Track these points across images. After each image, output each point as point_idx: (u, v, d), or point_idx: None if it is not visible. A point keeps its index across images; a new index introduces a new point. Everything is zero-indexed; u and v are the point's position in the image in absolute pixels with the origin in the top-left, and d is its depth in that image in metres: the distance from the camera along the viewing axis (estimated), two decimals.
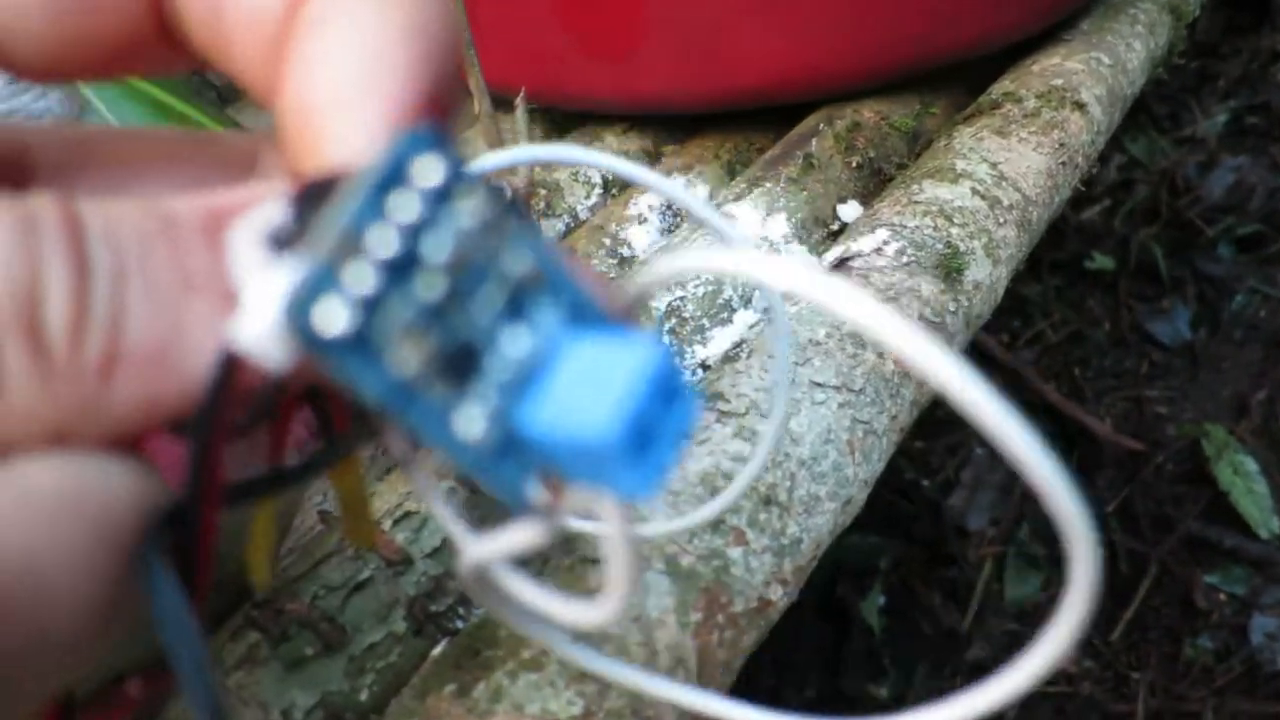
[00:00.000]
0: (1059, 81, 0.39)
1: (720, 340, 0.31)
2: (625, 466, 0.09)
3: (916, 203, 0.33)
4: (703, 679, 0.22)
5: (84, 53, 0.11)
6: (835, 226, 0.36)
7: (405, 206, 0.09)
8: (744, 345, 0.29)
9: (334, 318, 0.09)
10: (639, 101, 0.41)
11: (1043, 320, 1.03)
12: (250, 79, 0.11)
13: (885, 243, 0.31)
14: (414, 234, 0.09)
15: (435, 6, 0.11)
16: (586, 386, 0.09)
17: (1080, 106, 0.39)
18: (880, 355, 0.28)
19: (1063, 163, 0.37)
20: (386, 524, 0.24)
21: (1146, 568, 0.86)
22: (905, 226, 0.32)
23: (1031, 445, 0.09)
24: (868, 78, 0.39)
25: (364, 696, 0.22)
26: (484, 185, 0.10)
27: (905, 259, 0.31)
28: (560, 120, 0.46)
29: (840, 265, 0.30)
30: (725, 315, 0.32)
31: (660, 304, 0.31)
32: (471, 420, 0.10)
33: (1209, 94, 1.15)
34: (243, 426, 0.10)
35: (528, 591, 0.12)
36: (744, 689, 0.66)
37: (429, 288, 0.09)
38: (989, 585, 0.90)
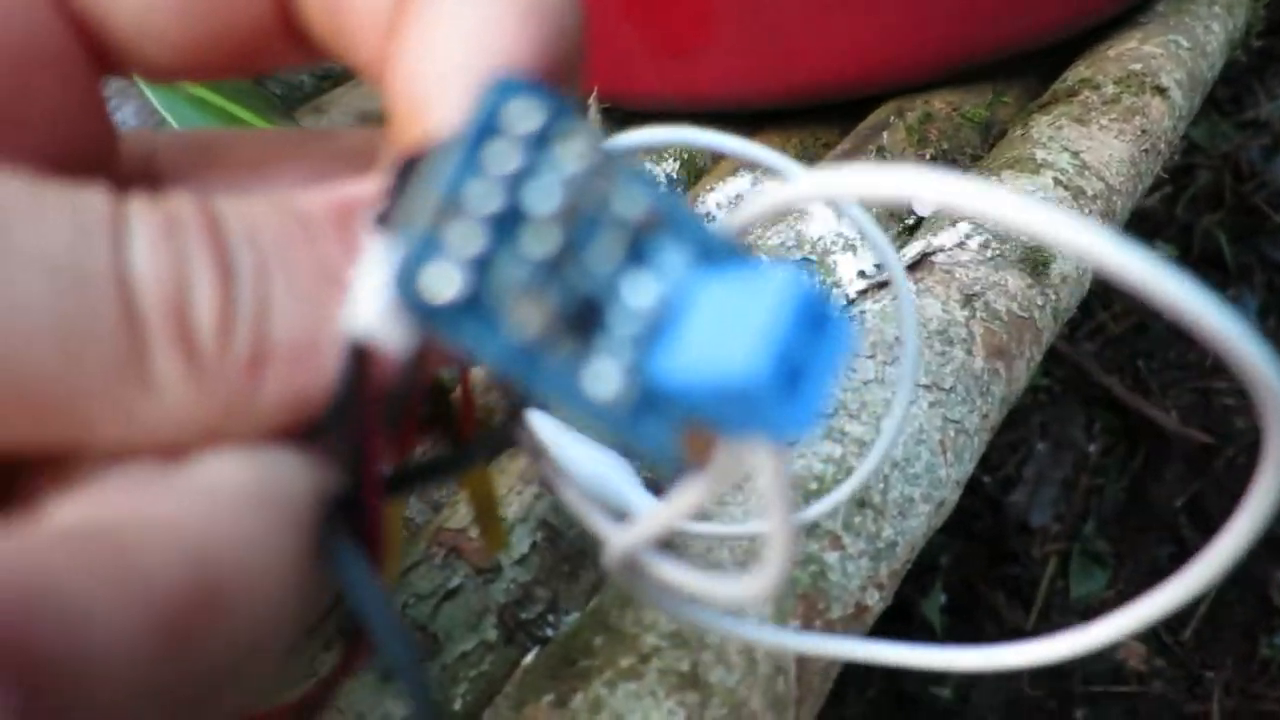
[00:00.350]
0: (1137, 66, 0.38)
1: None
2: (778, 405, 0.08)
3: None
4: (802, 686, 0.21)
5: (213, 51, 0.11)
6: (911, 221, 0.35)
7: (504, 157, 0.09)
8: None
9: (443, 283, 0.08)
10: (705, 98, 0.40)
11: (1103, 312, 1.01)
12: (370, 68, 0.11)
13: (968, 236, 0.30)
14: (517, 185, 0.09)
15: None
16: (725, 327, 0.08)
17: (1161, 91, 0.37)
18: (969, 353, 0.27)
19: (1145, 150, 0.36)
20: (473, 532, 0.24)
21: None
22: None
23: (1218, 314, 0.08)
24: (938, 68, 0.38)
25: (458, 706, 0.22)
26: (586, 125, 0.09)
27: (990, 253, 0.30)
28: (622, 118, 0.46)
29: (922, 260, 0.30)
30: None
31: None
32: (603, 378, 0.09)
33: (1273, 75, 1.12)
34: (388, 422, 0.10)
35: (678, 573, 0.11)
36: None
37: (541, 241, 0.09)
38: (1053, 583, 0.88)
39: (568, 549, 0.24)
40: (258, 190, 0.10)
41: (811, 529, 0.23)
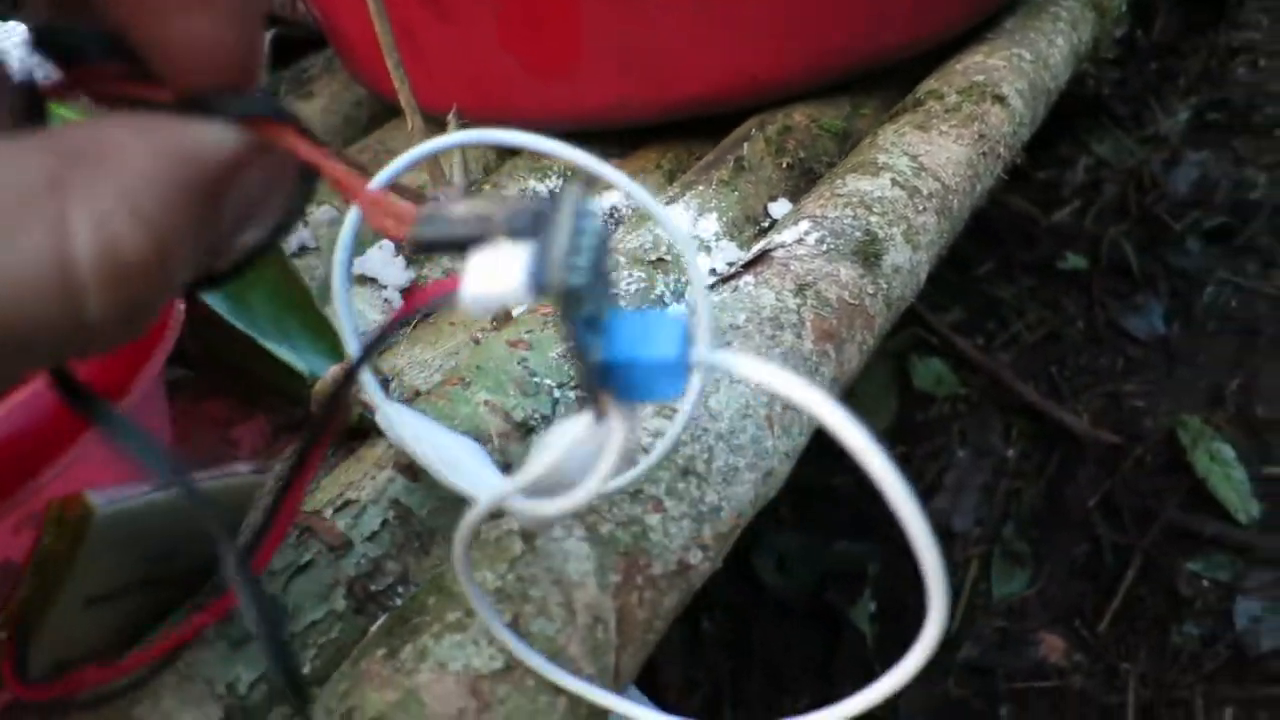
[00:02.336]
0: (980, 78, 0.41)
1: None
2: (676, 378, 0.15)
3: (839, 195, 0.35)
4: (622, 637, 0.23)
5: None
6: (766, 224, 0.37)
7: (586, 230, 0.14)
8: None
9: (576, 277, 0.13)
10: (583, 117, 0.43)
11: (1018, 321, 1.05)
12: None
13: (806, 233, 0.33)
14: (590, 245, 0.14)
15: None
16: (651, 333, 0.15)
17: (1000, 99, 0.40)
18: (799, 336, 0.29)
19: (983, 153, 0.38)
20: (328, 512, 0.26)
21: (1131, 559, 0.87)
22: (826, 217, 0.33)
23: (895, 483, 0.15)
24: (799, 85, 0.41)
25: (307, 669, 0.23)
26: (603, 228, 0.15)
27: (825, 247, 0.32)
28: None
29: (763, 256, 0.32)
30: (659, 308, 0.33)
31: None
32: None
33: (1170, 92, 1.17)
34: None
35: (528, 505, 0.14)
36: (736, 697, 0.67)
37: (590, 262, 0.14)
38: (976, 585, 0.91)
39: (419, 527, 0.26)
40: None
41: (635, 494, 0.25)
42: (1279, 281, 0.98)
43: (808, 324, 0.30)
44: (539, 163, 0.44)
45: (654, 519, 0.24)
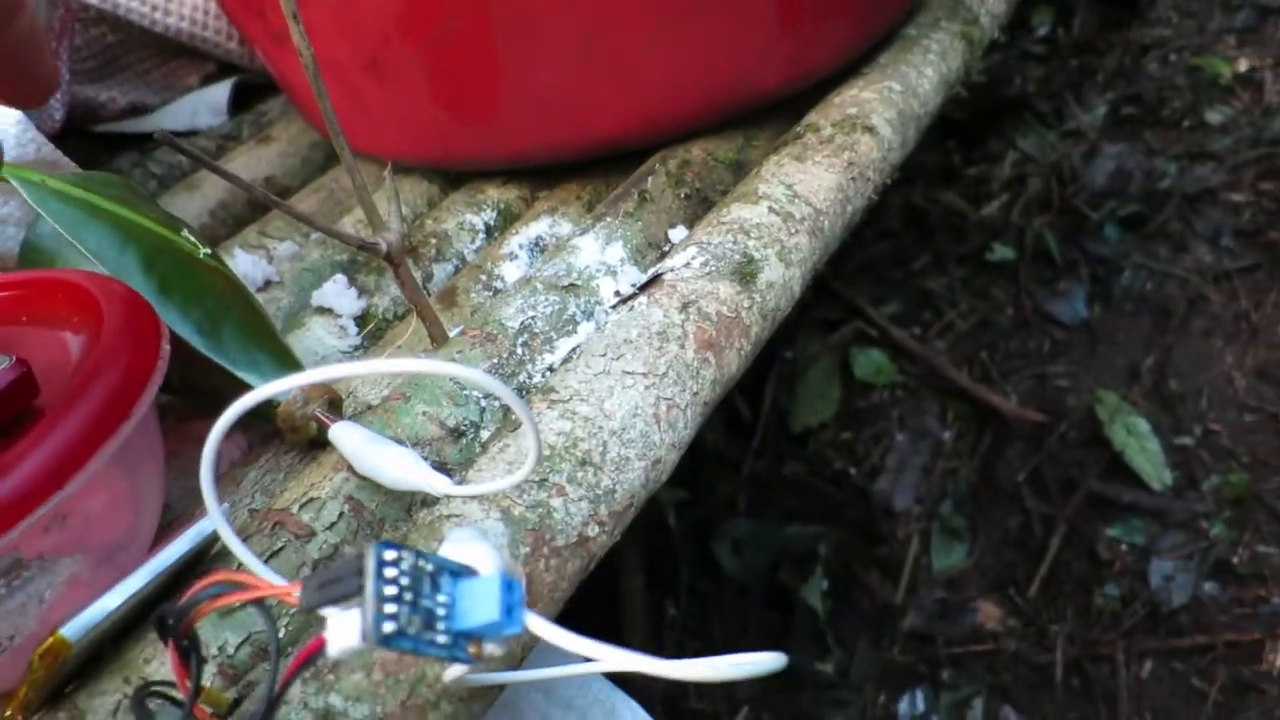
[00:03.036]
0: (853, 110, 0.47)
1: (564, 348, 0.38)
2: (507, 626, 0.21)
3: (722, 223, 0.41)
4: (532, 596, 0.29)
5: None
6: (666, 248, 0.43)
7: (392, 572, 0.20)
8: (578, 349, 0.36)
9: (389, 626, 0.19)
10: (508, 158, 0.49)
11: (951, 311, 1.11)
12: None
13: (693, 258, 0.39)
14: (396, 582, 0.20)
15: None
16: (479, 601, 0.21)
17: (870, 129, 0.47)
18: (682, 346, 0.36)
19: (853, 178, 0.45)
20: (295, 508, 0.31)
21: (1055, 527, 0.94)
22: (710, 243, 0.40)
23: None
24: (694, 123, 0.47)
25: (282, 634, 0.29)
26: (410, 551, 0.21)
27: (708, 269, 0.38)
28: (453, 178, 0.54)
29: (655, 279, 0.38)
30: (570, 328, 0.39)
31: (514, 322, 0.38)
32: (441, 637, 0.20)
33: (1089, 88, 1.24)
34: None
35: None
36: None
37: (408, 599, 0.20)
38: (918, 560, 0.97)
39: (370, 517, 0.32)
40: None
41: (542, 482, 0.31)
42: (1189, 264, 1.05)
43: (690, 336, 0.36)
44: (474, 199, 0.50)
45: (557, 501, 0.30)
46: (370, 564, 0.20)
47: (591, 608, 1.02)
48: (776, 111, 0.51)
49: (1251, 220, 1.06)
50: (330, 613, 0.20)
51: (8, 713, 0.25)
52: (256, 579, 0.22)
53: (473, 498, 0.30)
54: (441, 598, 0.21)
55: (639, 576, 1.01)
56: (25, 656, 0.26)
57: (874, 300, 1.15)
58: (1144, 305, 1.06)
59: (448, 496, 0.30)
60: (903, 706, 0.91)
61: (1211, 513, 0.90)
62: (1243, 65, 1.15)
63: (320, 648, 0.20)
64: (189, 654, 0.23)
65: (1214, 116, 1.13)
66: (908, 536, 0.99)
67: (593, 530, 0.31)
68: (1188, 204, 1.09)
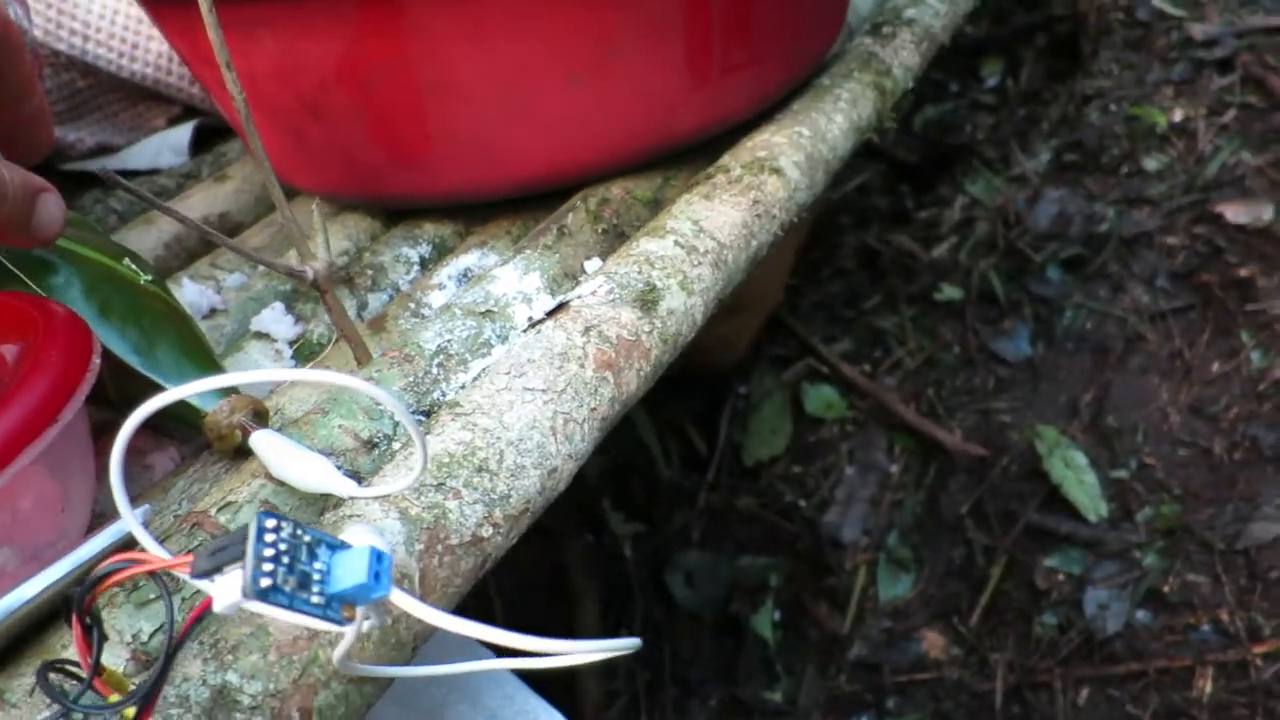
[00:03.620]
0: (763, 153, 0.51)
1: (476, 369, 0.41)
2: (374, 590, 0.23)
3: (630, 255, 0.44)
4: (424, 589, 0.32)
5: None
6: (582, 279, 0.47)
7: (271, 538, 0.23)
8: (486, 369, 0.39)
9: (265, 582, 0.22)
10: (442, 196, 0.52)
11: (900, 349, 1.15)
12: None
13: (600, 286, 0.42)
14: (275, 548, 0.23)
15: None
16: (350, 567, 0.23)
17: (777, 171, 0.50)
18: (582, 366, 0.39)
19: (758, 215, 0.48)
20: (213, 511, 0.34)
21: (996, 558, 0.97)
22: (617, 273, 0.43)
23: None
24: (612, 165, 0.51)
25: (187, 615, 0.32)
26: (290, 522, 0.24)
27: (612, 296, 0.41)
28: (394, 214, 0.57)
29: (562, 306, 0.41)
30: (485, 350, 0.42)
31: (431, 345, 0.41)
32: (315, 598, 0.23)
33: (1035, 136, 1.29)
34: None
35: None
36: (651, 700, 0.77)
37: (285, 562, 0.23)
38: (865, 590, 1.00)
39: None
40: None
41: (439, 486, 0.33)
42: (1126, 305, 1.10)
43: (590, 357, 0.39)
44: (411, 233, 0.53)
45: (453, 504, 0.33)
46: (252, 529, 0.23)
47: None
48: (695, 153, 0.54)
49: (1185, 263, 1.10)
50: (219, 578, 0.23)
51: None
52: (154, 555, 0.25)
53: (374, 499, 0.33)
54: (318, 564, 0.24)
55: (594, 606, 1.03)
56: None
57: (827, 338, 1.18)
58: (1084, 343, 1.10)
59: (352, 498, 0.33)
60: None
61: (1144, 543, 0.93)
62: (1178, 115, 1.21)
63: (208, 607, 0.23)
64: (91, 630, 0.26)
65: (1151, 163, 1.18)
66: (855, 567, 1.01)
67: (486, 531, 0.34)
68: (1125, 247, 1.13)
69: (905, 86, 0.63)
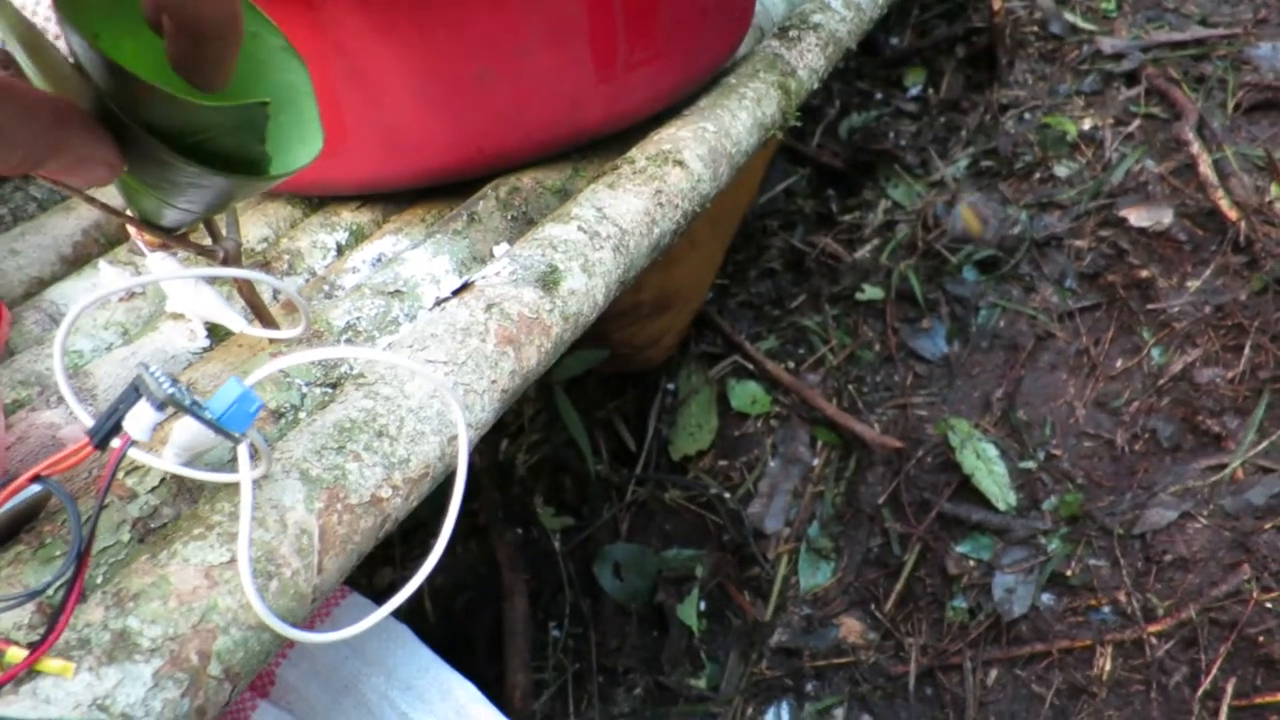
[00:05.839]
0: (667, 146, 0.54)
1: (383, 344, 0.43)
2: (241, 422, 0.29)
3: (535, 239, 0.46)
4: (324, 544, 0.33)
5: None
6: (490, 261, 0.49)
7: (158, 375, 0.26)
8: (390, 344, 0.41)
9: (169, 388, 0.27)
10: (360, 185, 0.54)
11: (823, 346, 1.18)
12: None
13: (504, 268, 0.44)
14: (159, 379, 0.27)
15: None
16: (227, 395, 0.29)
17: (680, 163, 0.53)
18: (483, 340, 0.41)
19: (660, 204, 0.50)
20: (121, 474, 0.35)
21: (911, 546, 1.00)
22: (521, 255, 0.45)
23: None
24: (520, 156, 0.53)
25: (99, 579, 0.33)
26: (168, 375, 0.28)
27: (515, 277, 0.44)
28: (315, 202, 0.59)
29: (467, 286, 0.43)
30: (393, 328, 0.44)
31: (340, 321, 0.43)
32: (206, 414, 0.28)
33: (953, 143, 1.34)
34: None
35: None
36: (578, 688, 0.79)
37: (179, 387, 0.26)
38: (786, 579, 1.03)
39: (190, 484, 0.36)
40: None
41: (340, 448, 0.35)
42: (1037, 304, 1.14)
43: (492, 332, 0.41)
44: (329, 220, 0.55)
45: (353, 465, 0.35)
46: (141, 373, 0.28)
47: (478, 628, 1.05)
48: (604, 146, 0.57)
49: (1092, 264, 1.15)
50: (127, 421, 0.27)
51: None
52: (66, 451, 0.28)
53: (260, 338, 0.35)
54: (202, 402, 0.29)
55: (524, 599, 1.04)
56: None
57: (753, 336, 1.21)
58: (997, 341, 1.14)
59: (242, 332, 0.35)
60: (769, 717, 0.96)
61: (1049, 530, 0.97)
62: (1087, 124, 1.26)
63: (125, 447, 0.26)
64: None
65: (1061, 170, 1.23)
66: (778, 557, 1.04)
67: (386, 492, 0.36)
68: (1037, 249, 1.18)
69: (810, 87, 0.66)
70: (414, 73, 0.48)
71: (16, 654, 0.28)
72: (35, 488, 0.33)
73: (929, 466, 1.05)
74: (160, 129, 0.33)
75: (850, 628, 0.99)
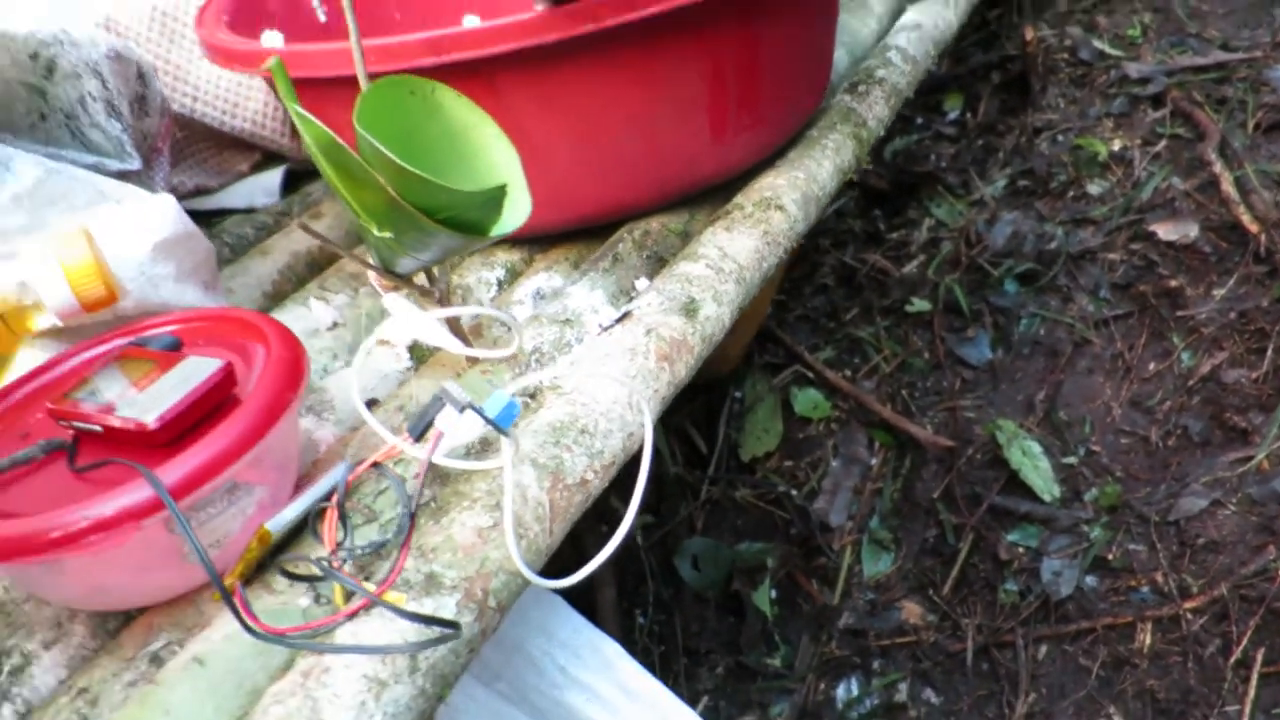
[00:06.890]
0: (769, 194, 0.65)
1: (563, 363, 0.54)
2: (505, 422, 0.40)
3: (674, 275, 0.57)
4: (553, 513, 0.45)
5: None
6: (634, 294, 0.60)
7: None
8: (574, 362, 0.52)
9: (467, 397, 0.34)
10: (523, 232, 0.65)
11: (877, 355, 1.29)
12: None
13: (653, 299, 0.55)
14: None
15: None
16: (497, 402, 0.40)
17: (780, 208, 0.64)
18: (646, 358, 0.52)
19: (768, 243, 0.62)
20: (393, 464, 0.47)
21: (964, 535, 1.10)
22: (665, 289, 0.56)
23: None
24: (649, 203, 0.64)
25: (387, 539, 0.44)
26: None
27: (663, 307, 0.55)
28: None
29: (627, 315, 0.55)
30: (567, 349, 0.55)
31: (529, 345, 0.54)
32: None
33: (991, 164, 1.44)
34: None
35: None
36: (665, 669, 0.91)
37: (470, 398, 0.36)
38: (851, 568, 1.13)
39: (441, 472, 0.47)
40: None
41: (557, 441, 0.46)
42: (1074, 313, 1.24)
43: (652, 351, 0.52)
44: (488, 259, 0.67)
45: (566, 455, 0.46)
46: (446, 386, 0.39)
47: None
48: (713, 194, 0.68)
49: (1124, 275, 1.25)
50: (436, 424, 0.38)
51: (228, 580, 0.40)
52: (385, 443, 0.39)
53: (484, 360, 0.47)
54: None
55: (612, 589, 1.16)
56: (230, 553, 0.42)
57: (811, 347, 1.32)
58: (1037, 348, 1.24)
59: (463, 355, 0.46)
60: (840, 692, 1.06)
61: (1091, 519, 1.07)
62: (1116, 145, 1.36)
63: (437, 441, 0.37)
64: (345, 519, 0.39)
65: (1093, 188, 1.33)
66: (842, 548, 1.15)
67: (590, 476, 0.47)
68: (1072, 262, 1.28)
69: (878, 134, 0.77)
70: (574, 144, 0.59)
71: (369, 587, 0.39)
72: (338, 475, 0.45)
73: (978, 463, 1.15)
74: (425, 207, 0.44)
75: (911, 610, 1.10)
